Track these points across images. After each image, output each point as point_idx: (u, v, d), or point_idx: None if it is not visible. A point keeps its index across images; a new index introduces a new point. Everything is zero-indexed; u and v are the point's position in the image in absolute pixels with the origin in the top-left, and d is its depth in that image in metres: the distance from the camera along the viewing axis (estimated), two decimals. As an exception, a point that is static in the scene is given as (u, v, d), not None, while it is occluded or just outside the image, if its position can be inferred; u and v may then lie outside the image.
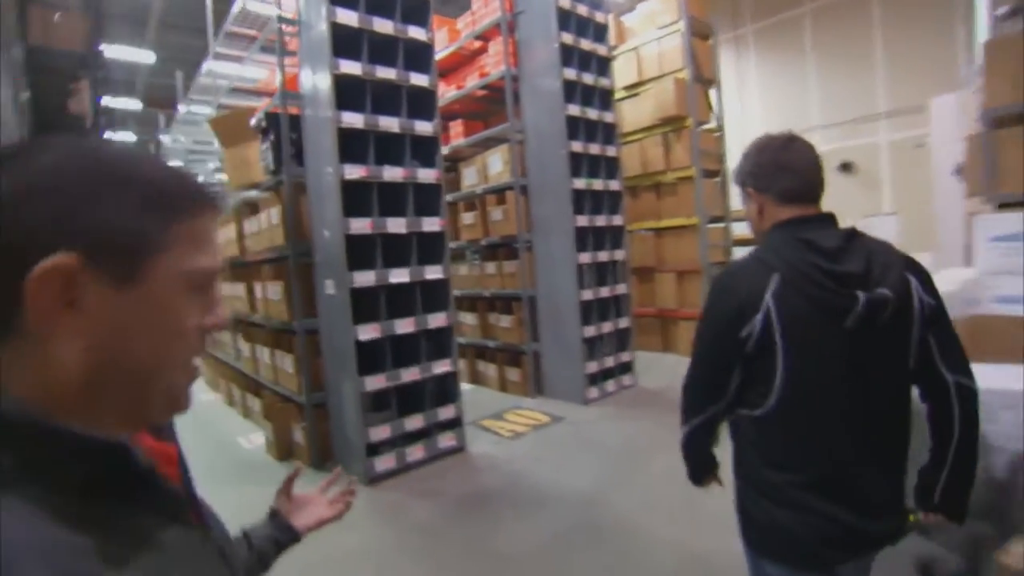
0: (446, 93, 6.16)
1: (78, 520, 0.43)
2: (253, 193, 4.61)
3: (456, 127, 6.14)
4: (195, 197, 0.52)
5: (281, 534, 0.90)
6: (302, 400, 4.03)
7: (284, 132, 3.87)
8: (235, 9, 4.50)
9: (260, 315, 4.62)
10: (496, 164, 5.58)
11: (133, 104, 11.94)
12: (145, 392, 0.50)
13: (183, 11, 9.75)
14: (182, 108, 7.17)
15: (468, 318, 6.23)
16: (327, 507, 0.97)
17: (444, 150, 6.20)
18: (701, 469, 1.42)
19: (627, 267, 5.58)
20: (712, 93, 6.73)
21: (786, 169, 1.22)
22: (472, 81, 5.81)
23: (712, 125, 6.81)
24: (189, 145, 7.84)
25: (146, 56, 10.00)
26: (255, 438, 4.77)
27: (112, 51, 8.96)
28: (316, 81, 3.64)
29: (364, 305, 3.80)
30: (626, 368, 5.52)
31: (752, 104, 9.65)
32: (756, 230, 1.30)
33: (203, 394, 6.89)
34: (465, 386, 6.19)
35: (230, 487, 3.74)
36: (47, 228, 0.43)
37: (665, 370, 6.13)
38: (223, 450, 4.69)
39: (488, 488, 3.59)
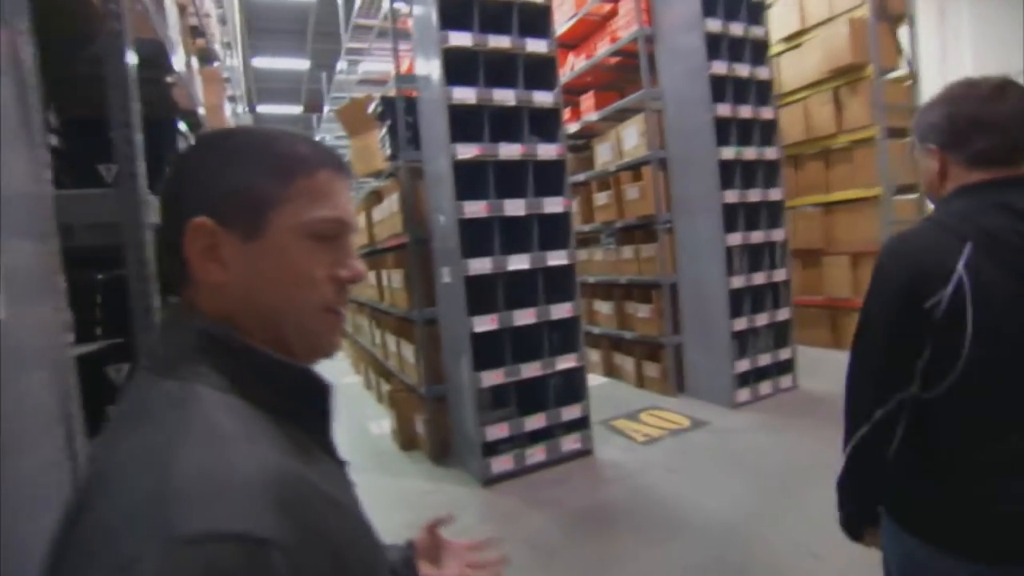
0: (576, 65, 5.73)
1: (285, 432, 0.54)
2: (376, 182, 4.63)
3: (587, 100, 5.69)
4: (314, 158, 0.59)
5: (404, 570, 0.83)
6: (422, 391, 3.94)
7: (399, 116, 3.77)
8: (358, 2, 4.51)
9: (386, 303, 4.65)
10: (631, 137, 5.04)
11: (295, 109, 13.19)
12: (280, 332, 0.57)
13: (333, 17, 10.49)
14: (326, 108, 7.64)
15: (603, 307, 5.79)
16: (462, 571, 0.86)
17: (575, 126, 5.83)
18: (864, 510, 1.15)
19: (787, 249, 4.72)
20: (902, 33, 5.45)
21: (988, 126, 1.04)
22: (603, 48, 5.30)
23: (901, 72, 5.53)
24: (332, 142, 8.40)
25: (300, 64, 10.91)
26: (384, 424, 4.84)
27: (270, 62, 9.86)
28: (427, 58, 3.45)
29: (483, 294, 3.57)
30: (785, 368, 4.70)
31: (959, 46, 7.74)
32: (933, 192, 1.14)
33: (347, 376, 7.31)
34: (599, 379, 5.81)
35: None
36: (194, 197, 0.56)
37: (833, 371, 5.11)
38: (352, 432, 4.82)
39: (613, 502, 3.17)
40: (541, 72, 3.63)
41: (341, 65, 6.10)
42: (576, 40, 5.83)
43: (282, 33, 11.71)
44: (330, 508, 0.50)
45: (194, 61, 2.45)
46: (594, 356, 6.06)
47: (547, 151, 3.58)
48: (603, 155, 5.52)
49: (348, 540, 0.52)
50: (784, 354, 4.66)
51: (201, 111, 2.61)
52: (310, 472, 0.51)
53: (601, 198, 5.49)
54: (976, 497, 1.00)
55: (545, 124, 3.69)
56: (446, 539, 0.88)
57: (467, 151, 3.33)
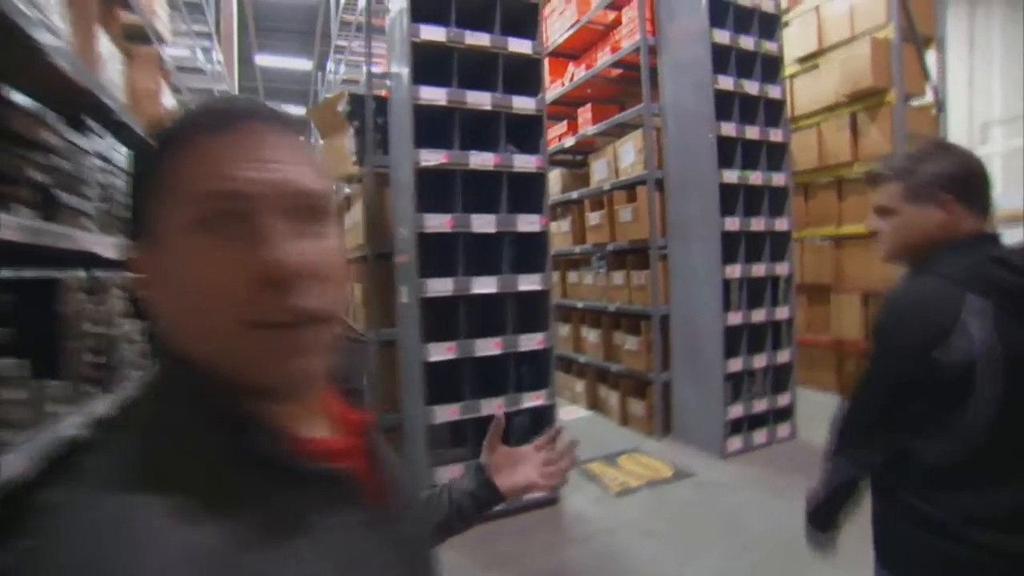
0: (576, 75, 5.39)
1: (227, 491, 0.41)
2: (348, 187, 4.30)
3: (585, 113, 5.34)
4: (189, 124, 0.45)
5: (482, 491, 0.81)
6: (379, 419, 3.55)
7: (368, 116, 3.42)
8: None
9: (351, 319, 4.28)
10: (628, 154, 4.67)
11: (299, 110, 13.02)
12: (217, 364, 0.44)
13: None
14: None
15: (591, 335, 5.39)
16: (539, 471, 0.85)
17: (570, 140, 5.48)
18: (835, 513, 1.30)
19: (792, 285, 4.31)
20: (929, 57, 5.06)
21: (988, 180, 1.18)
22: (604, 59, 4.96)
23: (926, 100, 5.13)
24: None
25: (304, 64, 10.72)
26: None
27: (276, 61, 9.65)
28: (398, 53, 3.11)
29: (444, 319, 3.20)
30: (783, 415, 4.26)
31: (989, 72, 7.29)
32: (915, 244, 1.18)
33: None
34: (582, 412, 5.40)
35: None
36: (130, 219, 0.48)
37: (841, 421, 4.68)
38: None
39: (577, 568, 2.75)
40: (524, 76, 3.27)
41: (330, 65, 5.81)
42: (577, 50, 5.50)
43: (289, 32, 11.54)
44: None
45: (103, 38, 2.11)
46: (578, 386, 5.65)
47: (525, 163, 3.22)
48: (599, 172, 5.16)
49: None
50: (783, 400, 4.22)
51: (118, 96, 2.28)
52: (252, 552, 0.39)
53: (594, 218, 5.11)
54: (952, 544, 1.05)
55: (526, 133, 3.33)
56: (511, 449, 0.86)
57: (432, 157, 2.97)
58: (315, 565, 0.43)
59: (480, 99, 3.09)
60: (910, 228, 1.17)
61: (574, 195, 5.47)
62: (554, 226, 6.01)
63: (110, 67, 2.21)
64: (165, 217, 0.44)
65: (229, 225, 0.42)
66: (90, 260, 2.04)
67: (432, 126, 3.12)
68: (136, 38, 2.75)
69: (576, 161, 6.43)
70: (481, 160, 3.09)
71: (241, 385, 0.44)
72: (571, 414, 5.40)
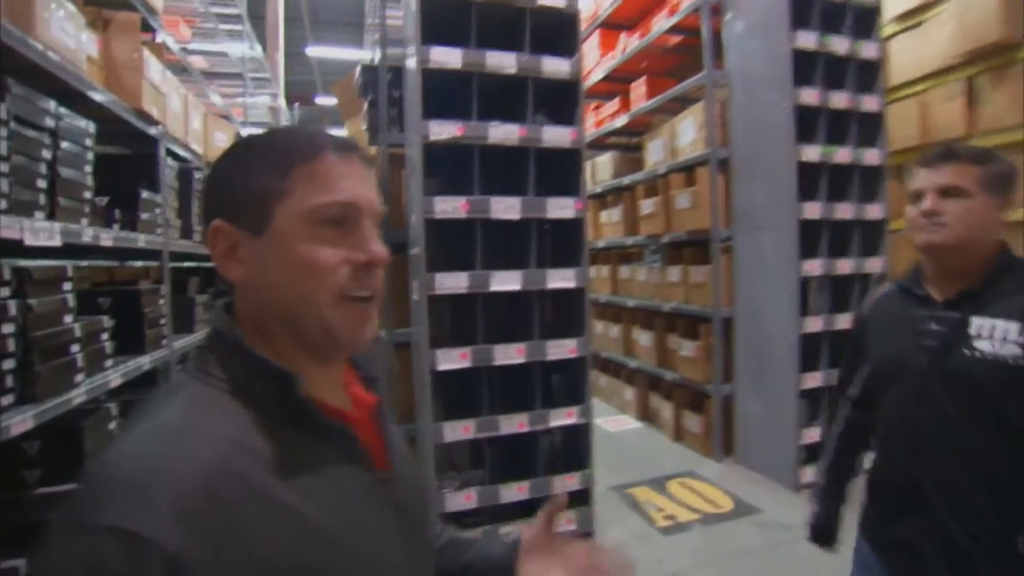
0: (628, 46, 4.80)
1: (261, 430, 0.53)
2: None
3: (638, 88, 4.74)
4: (313, 145, 0.58)
5: (498, 569, 0.75)
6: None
7: (381, 88, 3.02)
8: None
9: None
10: (687, 131, 4.06)
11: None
12: (296, 322, 0.57)
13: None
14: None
15: (643, 337, 4.82)
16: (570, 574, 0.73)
17: (623, 119, 4.91)
18: (833, 508, 1.49)
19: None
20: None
21: None
22: (660, 23, 4.34)
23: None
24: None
25: (360, 54, 10.57)
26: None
27: (328, 52, 9.54)
28: (409, 11, 2.68)
29: (459, 321, 2.77)
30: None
31: None
32: (977, 237, 1.15)
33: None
34: (632, 424, 4.85)
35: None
36: (214, 202, 0.60)
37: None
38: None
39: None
40: (557, 33, 2.77)
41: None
42: (630, 19, 4.90)
43: (345, 25, 11.44)
44: (272, 517, 0.49)
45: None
46: (628, 394, 5.09)
47: (557, 136, 2.71)
48: (654, 154, 4.56)
49: (296, 554, 0.50)
50: (873, 424, 3.49)
51: (75, 61, 1.98)
52: (273, 481, 0.51)
53: (647, 206, 4.52)
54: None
55: (559, 102, 2.83)
56: (560, 537, 0.77)
57: (443, 130, 2.52)
58: (322, 503, 0.53)
59: (503, 61, 2.61)
60: (980, 217, 1.13)
61: (626, 180, 4.89)
62: (605, 215, 5.46)
63: (58, 27, 1.90)
64: (288, 213, 0.56)
65: (342, 225, 0.58)
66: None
67: (448, 96, 2.68)
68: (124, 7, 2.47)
69: (631, 144, 5.83)
70: (503, 133, 2.62)
71: (323, 341, 0.57)
72: (619, 425, 4.86)
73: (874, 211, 3.50)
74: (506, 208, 2.62)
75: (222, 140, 3.82)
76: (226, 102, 4.75)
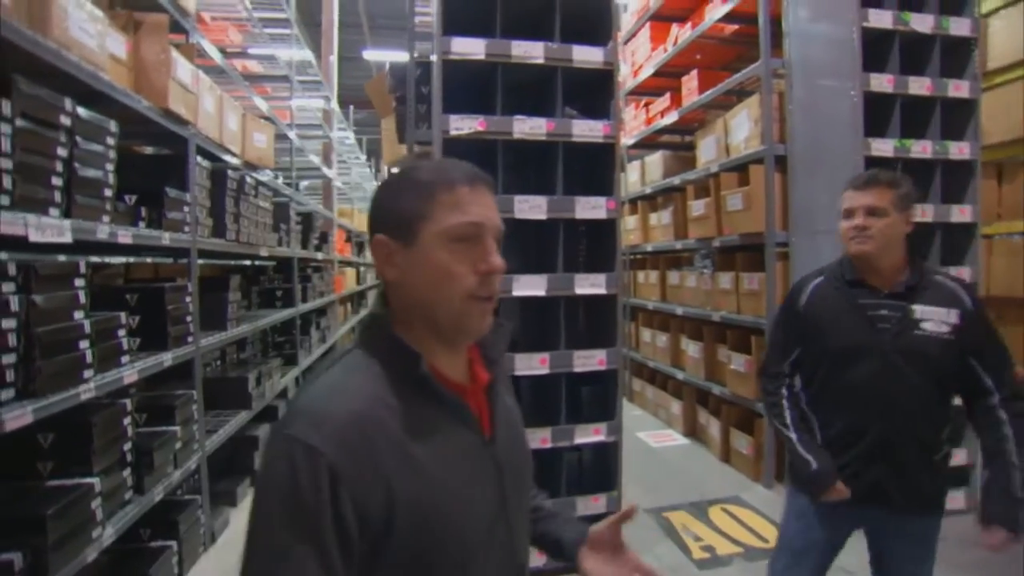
0: (680, 38, 4.51)
1: (396, 393, 0.70)
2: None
3: (689, 82, 4.43)
4: (450, 178, 0.74)
5: (565, 548, 0.90)
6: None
7: (410, 84, 2.92)
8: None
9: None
10: (742, 127, 3.74)
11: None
12: (434, 314, 0.73)
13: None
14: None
15: (691, 348, 4.51)
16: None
17: (673, 116, 4.63)
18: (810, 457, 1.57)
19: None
20: None
21: None
22: (714, 11, 4.03)
23: None
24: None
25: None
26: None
27: (386, 56, 9.71)
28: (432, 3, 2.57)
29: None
30: (956, 479, 3.10)
31: None
32: (894, 246, 1.49)
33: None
34: (679, 439, 4.55)
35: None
36: (377, 220, 0.77)
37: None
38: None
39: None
40: (589, 20, 2.57)
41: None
42: (684, 10, 4.60)
43: (403, 29, 11.61)
44: (397, 455, 0.66)
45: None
46: (675, 407, 4.78)
47: (589, 130, 2.52)
48: (706, 152, 4.25)
49: (411, 486, 0.66)
50: (956, 458, 3.05)
51: (98, 62, 1.99)
52: (401, 430, 0.68)
53: (697, 207, 4.21)
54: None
55: (592, 94, 2.64)
56: (623, 544, 0.88)
57: (464, 124, 2.39)
58: (434, 453, 0.69)
59: (530, 51, 2.45)
60: (896, 230, 1.47)
61: (676, 181, 4.59)
62: (655, 218, 5.17)
63: (78, 27, 1.91)
64: (430, 231, 0.72)
65: (470, 241, 0.72)
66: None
67: (474, 90, 2.55)
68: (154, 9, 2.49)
69: (684, 143, 5.51)
70: (529, 127, 2.45)
71: (451, 330, 0.74)
72: (663, 440, 4.56)
73: (963, 213, 3.07)
74: (531, 208, 2.45)
75: (262, 141, 3.86)
76: (273, 104, 4.83)
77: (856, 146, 2.90)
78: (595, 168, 2.63)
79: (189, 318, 2.75)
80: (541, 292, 2.48)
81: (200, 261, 3.83)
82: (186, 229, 2.73)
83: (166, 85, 2.46)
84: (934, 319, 1.44)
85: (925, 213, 2.99)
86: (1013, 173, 4.17)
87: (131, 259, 3.76)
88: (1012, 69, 4.04)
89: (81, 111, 1.93)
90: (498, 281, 0.75)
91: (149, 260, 3.92)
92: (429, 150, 2.97)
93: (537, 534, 0.92)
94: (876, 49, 2.94)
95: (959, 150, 3.04)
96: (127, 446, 2.19)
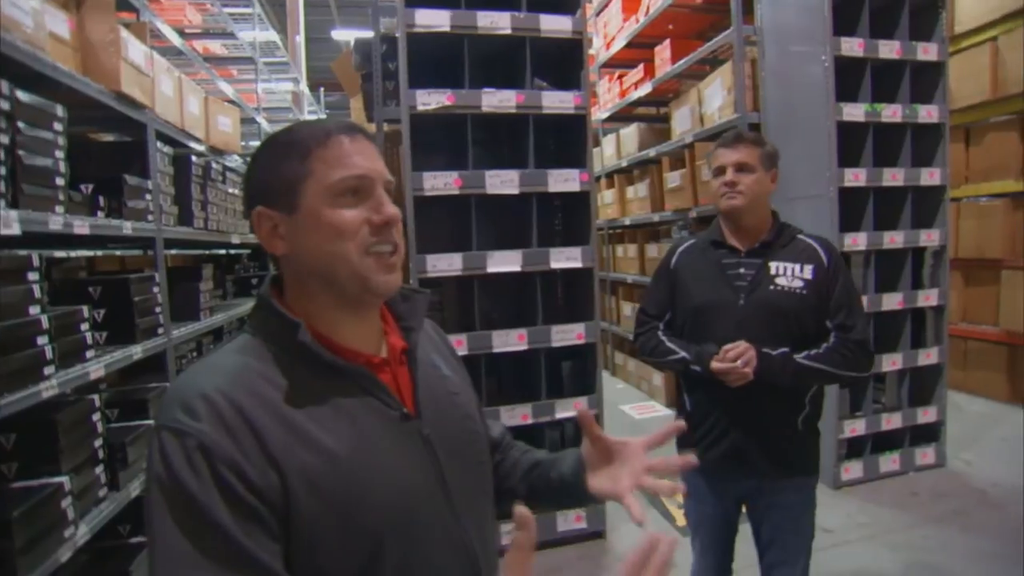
0: (652, 6, 4.44)
1: (281, 368, 0.66)
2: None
3: (662, 52, 4.39)
4: (324, 132, 0.69)
5: (569, 488, 0.82)
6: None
7: (376, 60, 2.84)
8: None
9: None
10: (715, 95, 3.72)
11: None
12: (334, 278, 0.68)
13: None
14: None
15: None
16: (635, 477, 0.77)
17: (646, 87, 4.59)
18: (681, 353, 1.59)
19: (945, 260, 3.17)
20: None
21: None
22: (686, -21, 3.98)
23: None
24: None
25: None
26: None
27: (351, 35, 9.45)
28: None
29: (457, 306, 2.60)
30: (926, 435, 3.18)
31: None
32: (761, 203, 1.54)
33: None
34: (659, 409, 4.62)
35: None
36: (252, 192, 0.72)
37: (1013, 441, 3.48)
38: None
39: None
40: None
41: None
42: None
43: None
44: (284, 429, 0.61)
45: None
46: (656, 379, 4.83)
47: (559, 101, 2.47)
48: (681, 123, 4.22)
49: (304, 460, 0.61)
50: (926, 415, 3.14)
51: (37, 42, 1.89)
52: (288, 405, 0.63)
53: (673, 179, 4.20)
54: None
55: (562, 65, 2.59)
56: (617, 442, 0.80)
57: (431, 99, 2.33)
58: (328, 426, 0.64)
59: (497, 20, 2.39)
60: (763, 186, 1.50)
61: (651, 152, 4.57)
62: (631, 191, 5.17)
63: (9, 3, 1.80)
64: (313, 190, 0.67)
65: (359, 194, 0.68)
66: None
67: (440, 64, 2.49)
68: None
69: (658, 115, 5.48)
70: (499, 100, 2.40)
71: (356, 292, 0.68)
72: (646, 412, 4.61)
73: (932, 176, 3.09)
74: (503, 183, 2.42)
75: (227, 125, 3.74)
76: (239, 88, 4.69)
77: (828, 111, 2.89)
78: (567, 140, 2.60)
79: (159, 309, 2.68)
80: (516, 267, 2.46)
81: (171, 252, 3.73)
82: (150, 218, 2.64)
83: (117, 67, 2.35)
84: (787, 274, 1.47)
85: (896, 176, 3.01)
86: (980, 136, 4.23)
87: (98, 252, 3.65)
88: (979, 32, 4.09)
89: (22, 95, 1.83)
90: (398, 233, 0.69)
91: (117, 252, 3.81)
92: (397, 128, 2.91)
93: (541, 488, 0.85)
94: (846, 13, 2.92)
95: (928, 113, 3.05)
96: (98, 442, 2.13)
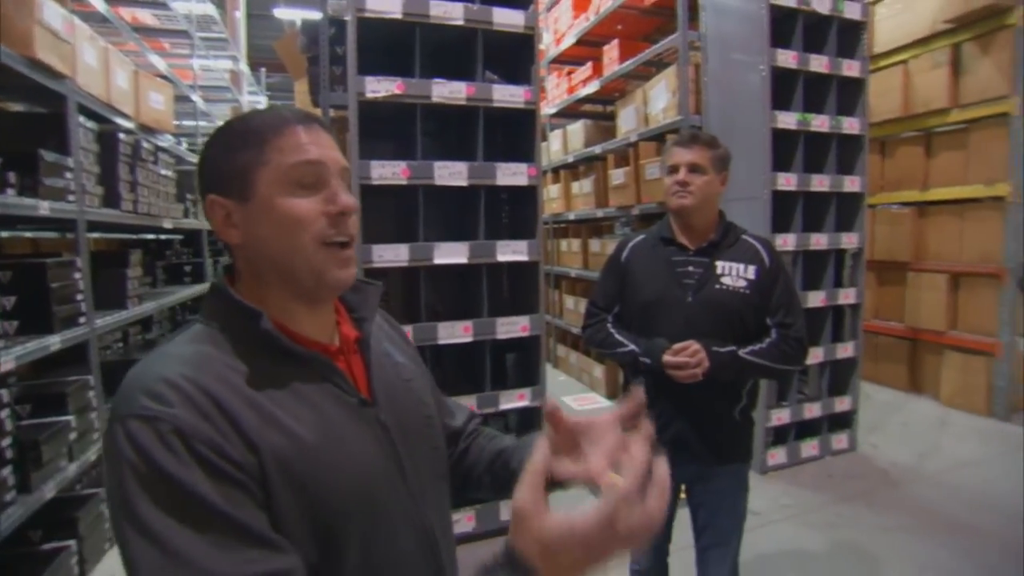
0: (602, 6, 4.52)
1: (241, 356, 0.64)
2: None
3: (610, 51, 4.48)
4: (279, 121, 0.68)
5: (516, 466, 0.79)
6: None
7: (323, 43, 2.75)
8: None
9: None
10: (660, 97, 3.84)
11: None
12: (289, 270, 0.67)
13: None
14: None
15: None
16: (608, 456, 0.63)
17: (594, 85, 4.67)
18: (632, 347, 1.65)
19: (862, 261, 3.43)
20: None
21: None
22: (634, -19, 4.08)
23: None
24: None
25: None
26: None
27: (295, 14, 9.10)
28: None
29: (403, 298, 2.58)
30: (841, 422, 3.45)
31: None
32: (710, 203, 1.59)
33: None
34: (601, 401, 4.74)
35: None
36: (205, 180, 0.70)
37: (913, 427, 3.83)
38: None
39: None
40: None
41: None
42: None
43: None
44: (251, 409, 0.61)
45: None
46: (597, 371, 4.96)
47: (510, 95, 2.49)
48: (626, 122, 4.33)
49: (273, 439, 0.61)
50: (842, 404, 3.40)
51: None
52: (252, 389, 0.62)
53: (617, 176, 4.31)
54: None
55: (513, 59, 2.60)
56: (581, 423, 0.68)
57: (381, 87, 2.29)
58: (291, 411, 0.64)
59: (450, 11, 2.37)
60: (712, 187, 1.57)
61: (597, 149, 4.67)
62: (576, 187, 5.25)
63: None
64: (267, 179, 0.66)
65: (313, 183, 0.67)
66: None
67: (390, 51, 2.44)
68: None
69: (605, 113, 5.60)
70: (449, 91, 2.39)
71: (311, 284, 0.67)
72: (588, 403, 4.73)
73: (853, 183, 3.33)
74: (452, 174, 2.41)
75: (159, 103, 3.52)
76: (172, 63, 4.41)
77: (764, 118, 3.05)
78: (516, 134, 2.62)
79: (80, 296, 2.51)
80: (463, 259, 2.46)
81: (94, 235, 3.50)
82: (71, 198, 2.46)
83: (30, 30, 2.17)
84: (732, 274, 1.54)
85: (823, 183, 3.22)
86: (893, 149, 4.58)
87: (2, 233, 3.35)
88: (892, 54, 4.41)
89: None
90: (353, 224, 0.69)
91: (28, 235, 3.52)
92: (343, 114, 2.84)
93: (504, 478, 0.81)
94: (782, 27, 3.08)
95: (850, 125, 3.28)
96: (6, 441, 1.98)
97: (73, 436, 2.38)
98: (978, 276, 4.01)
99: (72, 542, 2.34)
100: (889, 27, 4.39)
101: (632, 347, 1.58)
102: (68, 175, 2.45)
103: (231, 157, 0.67)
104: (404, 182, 2.34)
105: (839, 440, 3.40)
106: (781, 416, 3.21)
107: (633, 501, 0.52)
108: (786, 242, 3.15)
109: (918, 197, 4.38)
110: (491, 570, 0.54)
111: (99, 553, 2.56)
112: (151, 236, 4.72)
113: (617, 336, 1.63)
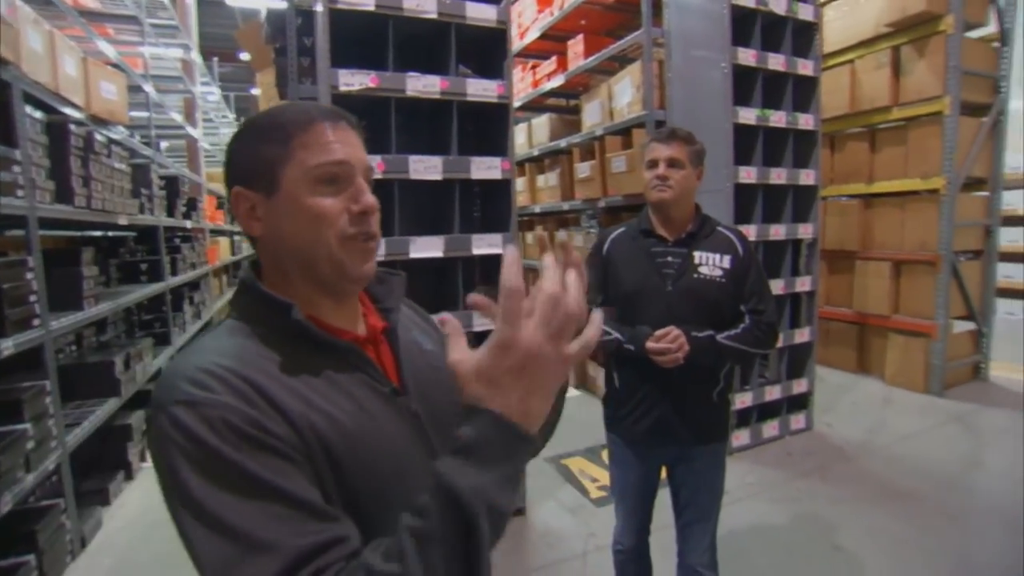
0: (566, 1, 4.56)
1: (275, 347, 0.66)
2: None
3: (575, 46, 4.53)
4: (307, 117, 0.69)
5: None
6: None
7: (291, 34, 2.69)
8: None
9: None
10: (624, 92, 3.91)
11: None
12: (311, 264, 0.69)
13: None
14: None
15: (579, 304, 4.73)
16: (551, 294, 0.56)
17: (559, 79, 4.71)
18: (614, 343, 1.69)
19: (817, 251, 3.62)
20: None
21: None
22: (598, -23, 4.13)
23: (989, 31, 4.30)
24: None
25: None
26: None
27: (247, 1, 8.78)
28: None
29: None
30: (798, 404, 3.64)
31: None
32: (688, 197, 1.67)
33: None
34: (570, 391, 4.78)
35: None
36: (232, 173, 0.71)
37: (858, 405, 4.08)
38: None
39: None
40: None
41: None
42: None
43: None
44: (289, 394, 0.62)
45: None
46: (566, 363, 5.03)
47: (483, 89, 2.50)
48: (591, 116, 4.40)
49: (312, 419, 0.62)
50: (799, 387, 3.59)
51: None
52: (289, 376, 0.64)
53: (583, 169, 4.38)
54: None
55: (486, 53, 2.61)
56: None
57: (355, 80, 2.26)
58: (326, 397, 0.65)
59: (423, 4, 2.36)
60: (690, 182, 1.63)
61: (563, 143, 4.73)
62: (542, 180, 5.30)
63: None
64: (293, 175, 0.67)
65: (338, 181, 0.68)
66: None
67: (365, 46, 2.41)
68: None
69: (569, 107, 5.66)
70: (423, 85, 2.38)
71: (333, 277, 0.69)
72: (556, 394, 4.80)
73: (808, 176, 3.50)
74: (426, 168, 2.41)
75: (111, 92, 3.36)
76: (121, 51, 4.20)
77: (725, 113, 3.17)
78: (488, 128, 2.63)
79: (34, 298, 2.39)
80: (438, 253, 2.47)
81: (41, 232, 3.33)
82: (19, 193, 2.33)
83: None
84: (709, 263, 1.62)
85: (780, 176, 3.37)
86: (841, 144, 4.83)
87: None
88: (841, 54, 4.64)
89: None
90: (375, 221, 0.71)
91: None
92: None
93: None
94: (742, 26, 3.20)
95: (805, 121, 3.44)
96: (-39, 450, 1.88)
97: (30, 445, 2.27)
98: (917, 263, 4.28)
99: (31, 556, 2.24)
100: (837, 28, 4.61)
101: (616, 335, 1.64)
102: (16, 168, 2.32)
103: (257, 151, 0.69)
104: (379, 176, 2.32)
105: (797, 420, 3.59)
106: (744, 399, 3.36)
107: (557, 298, 0.54)
108: (748, 233, 3.28)
109: (864, 190, 4.63)
110: (455, 438, 0.55)
111: (60, 567, 2.46)
112: (100, 233, 4.50)
113: (622, 332, 1.68)
